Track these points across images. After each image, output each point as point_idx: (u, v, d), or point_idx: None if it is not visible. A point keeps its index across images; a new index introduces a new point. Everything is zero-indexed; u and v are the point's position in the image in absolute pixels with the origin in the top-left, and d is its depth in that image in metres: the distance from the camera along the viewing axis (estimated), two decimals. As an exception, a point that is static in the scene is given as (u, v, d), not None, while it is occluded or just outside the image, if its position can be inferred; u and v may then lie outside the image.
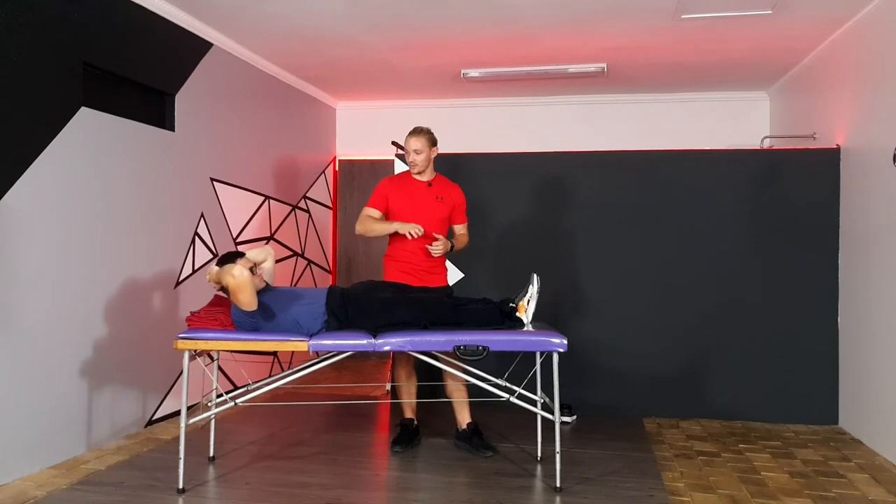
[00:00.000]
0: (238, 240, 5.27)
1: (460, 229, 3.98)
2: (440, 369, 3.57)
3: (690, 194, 4.71)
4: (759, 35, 4.68)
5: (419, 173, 3.85)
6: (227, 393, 3.43)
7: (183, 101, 4.57)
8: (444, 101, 6.82)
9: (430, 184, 3.87)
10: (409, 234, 3.61)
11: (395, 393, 5.03)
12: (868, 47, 4.17)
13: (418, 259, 3.77)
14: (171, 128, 4.48)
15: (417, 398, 3.99)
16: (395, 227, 3.69)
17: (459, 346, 3.13)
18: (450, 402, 3.85)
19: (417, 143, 3.78)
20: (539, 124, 6.69)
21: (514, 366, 3.68)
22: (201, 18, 4.56)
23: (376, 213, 3.83)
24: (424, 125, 3.90)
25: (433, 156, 3.86)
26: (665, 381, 4.68)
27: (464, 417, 3.85)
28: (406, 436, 3.87)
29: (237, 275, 3.12)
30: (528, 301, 3.32)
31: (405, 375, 3.93)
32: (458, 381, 3.74)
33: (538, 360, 3.51)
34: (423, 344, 3.18)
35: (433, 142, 3.85)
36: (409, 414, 3.98)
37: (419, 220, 3.73)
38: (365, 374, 6.06)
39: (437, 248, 3.71)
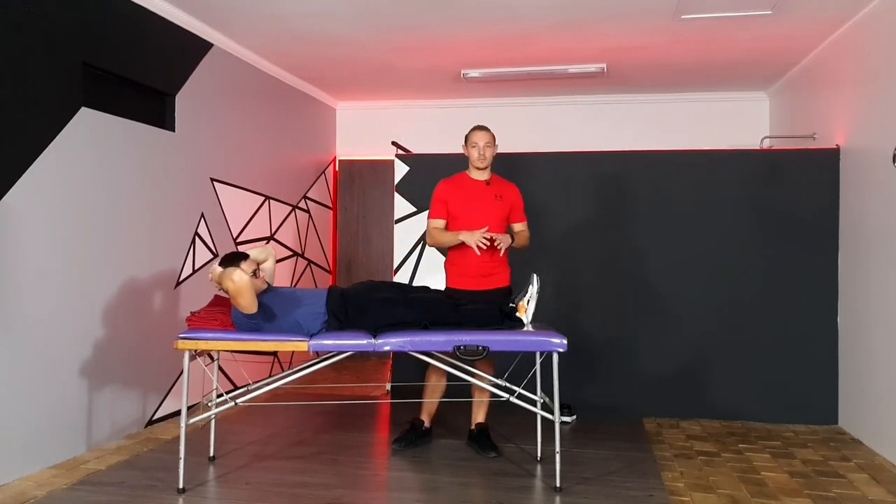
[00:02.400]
0: (238, 240, 5.27)
1: (519, 227, 3.88)
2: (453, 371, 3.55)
3: (690, 194, 4.71)
4: (758, 35, 4.68)
5: (483, 169, 3.78)
6: (227, 393, 3.43)
7: (183, 102, 4.57)
8: (444, 101, 6.81)
9: (487, 182, 3.80)
10: (477, 246, 3.52)
11: (395, 393, 5.05)
12: (868, 47, 4.17)
13: (479, 262, 3.69)
14: (172, 128, 4.48)
15: (429, 400, 3.94)
16: (462, 237, 3.61)
17: (459, 346, 3.13)
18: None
19: (488, 136, 3.74)
20: (539, 124, 6.69)
21: (514, 366, 3.68)
22: (201, 18, 4.56)
23: (441, 224, 3.79)
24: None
25: (495, 153, 3.81)
26: (665, 381, 4.68)
27: (476, 417, 3.86)
28: (411, 436, 3.86)
29: (237, 280, 3.12)
30: (528, 301, 3.32)
31: (436, 377, 3.86)
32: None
33: (538, 360, 3.51)
34: (422, 344, 3.18)
35: (495, 138, 3.81)
36: (423, 416, 3.94)
37: (480, 220, 3.67)
38: (365, 374, 6.06)
39: (501, 243, 3.58)
